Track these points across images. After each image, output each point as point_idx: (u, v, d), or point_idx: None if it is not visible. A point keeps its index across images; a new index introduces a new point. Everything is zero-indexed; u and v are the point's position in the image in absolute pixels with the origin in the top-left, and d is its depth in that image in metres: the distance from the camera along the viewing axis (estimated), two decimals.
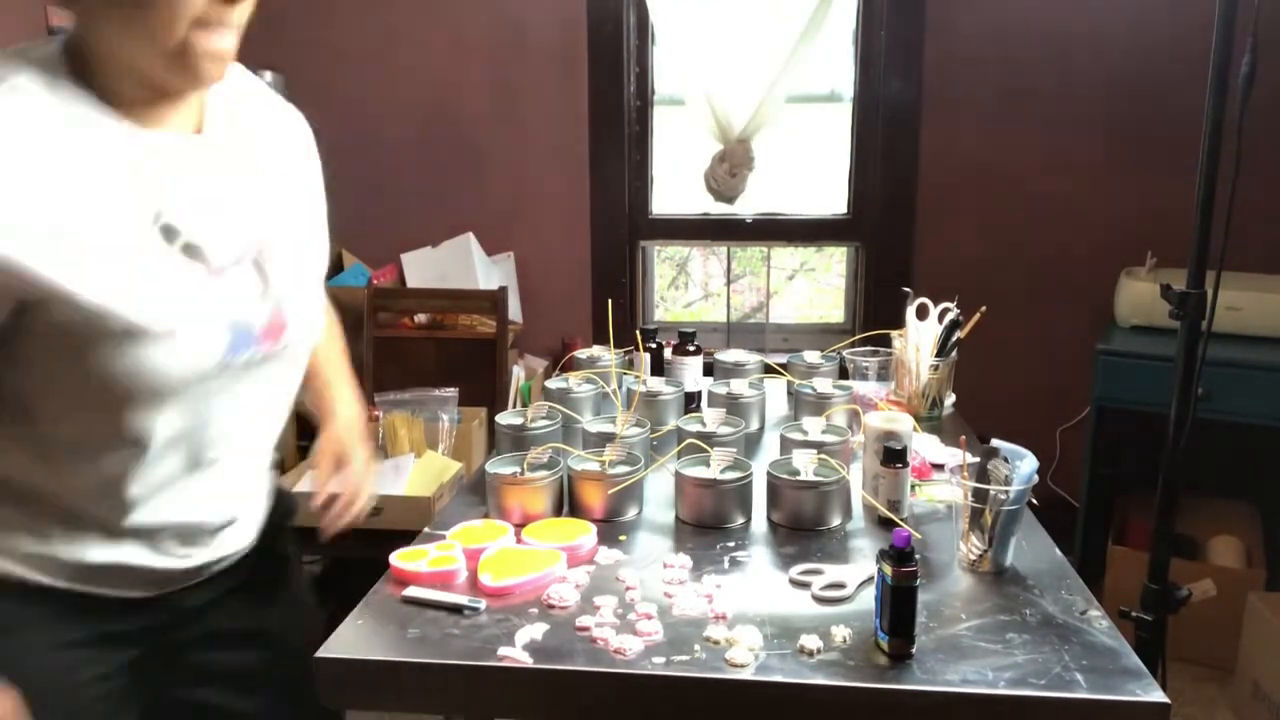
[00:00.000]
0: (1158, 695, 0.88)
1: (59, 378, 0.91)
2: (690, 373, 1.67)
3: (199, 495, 1.02)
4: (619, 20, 2.91)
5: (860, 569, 1.11)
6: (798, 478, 1.25)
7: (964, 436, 1.23)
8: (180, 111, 0.95)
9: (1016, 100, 2.80)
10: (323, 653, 0.96)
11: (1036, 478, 1.14)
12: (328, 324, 1.22)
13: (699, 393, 1.67)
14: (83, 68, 0.89)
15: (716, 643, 0.97)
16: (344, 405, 1.26)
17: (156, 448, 0.95)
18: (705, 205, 3.07)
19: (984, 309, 1.47)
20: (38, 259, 0.84)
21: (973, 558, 1.13)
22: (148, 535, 1.00)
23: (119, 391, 0.90)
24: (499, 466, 1.31)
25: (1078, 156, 2.80)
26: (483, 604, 1.04)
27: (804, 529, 1.24)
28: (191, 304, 0.92)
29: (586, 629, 0.99)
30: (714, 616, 1.02)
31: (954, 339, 1.59)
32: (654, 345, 1.72)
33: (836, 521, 1.26)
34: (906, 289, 1.71)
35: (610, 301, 1.58)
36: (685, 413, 1.57)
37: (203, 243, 0.94)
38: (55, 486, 0.96)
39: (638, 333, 1.71)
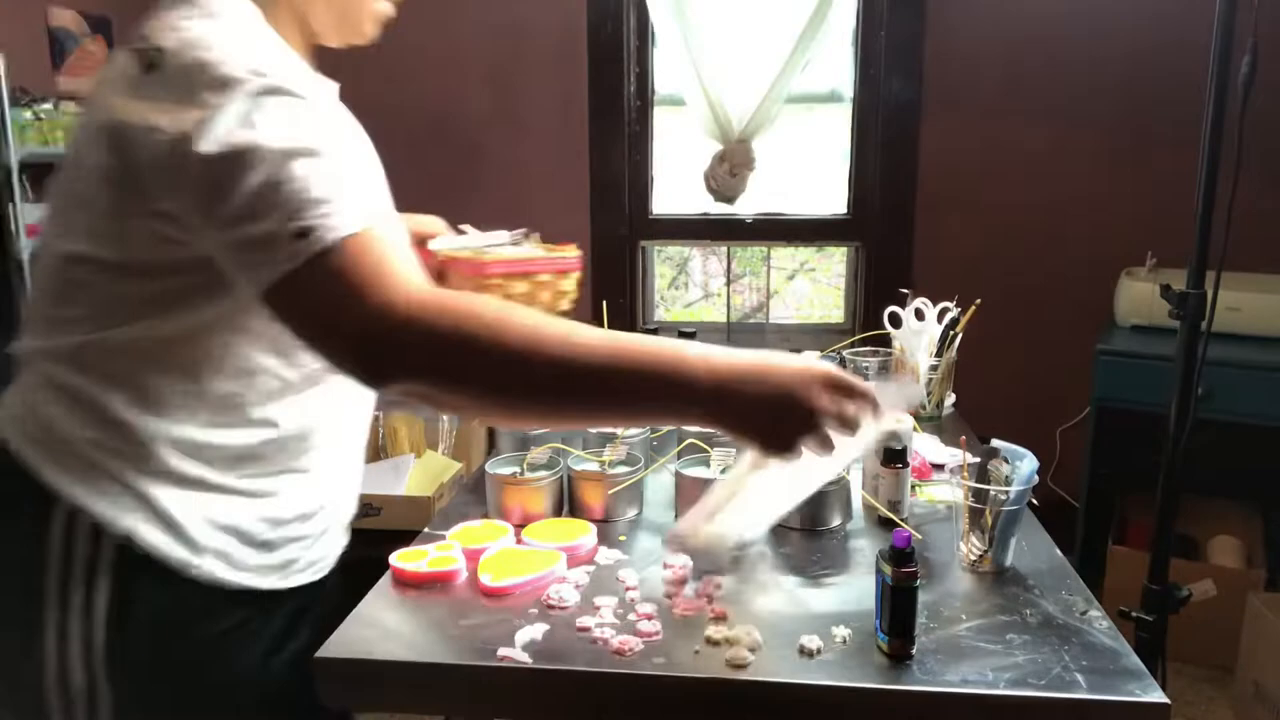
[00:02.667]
0: (1158, 695, 0.88)
1: None
2: None
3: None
4: (619, 20, 2.91)
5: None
6: None
7: (964, 437, 1.22)
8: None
9: (1016, 100, 2.80)
10: (323, 653, 0.96)
11: (1036, 478, 1.13)
12: None
13: None
14: (262, 9, 0.95)
15: (716, 643, 0.97)
16: None
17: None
18: (705, 205, 3.07)
19: (979, 301, 1.46)
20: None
21: (973, 558, 1.13)
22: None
23: None
24: (499, 466, 1.31)
25: (1077, 156, 2.80)
26: None
27: (804, 529, 1.24)
28: None
29: (586, 629, 0.99)
30: (714, 616, 1.02)
31: (951, 336, 1.59)
32: None
33: (836, 521, 1.26)
34: (905, 289, 1.71)
35: (605, 303, 1.57)
36: None
37: None
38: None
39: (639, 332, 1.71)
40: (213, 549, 0.94)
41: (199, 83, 0.82)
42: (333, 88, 1.02)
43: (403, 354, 0.81)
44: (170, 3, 0.91)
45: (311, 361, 0.97)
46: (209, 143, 0.81)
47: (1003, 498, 1.11)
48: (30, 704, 0.92)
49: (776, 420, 0.87)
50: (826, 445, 0.88)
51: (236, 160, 0.81)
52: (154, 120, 0.83)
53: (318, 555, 1.05)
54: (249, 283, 0.84)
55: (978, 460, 1.17)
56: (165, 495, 0.92)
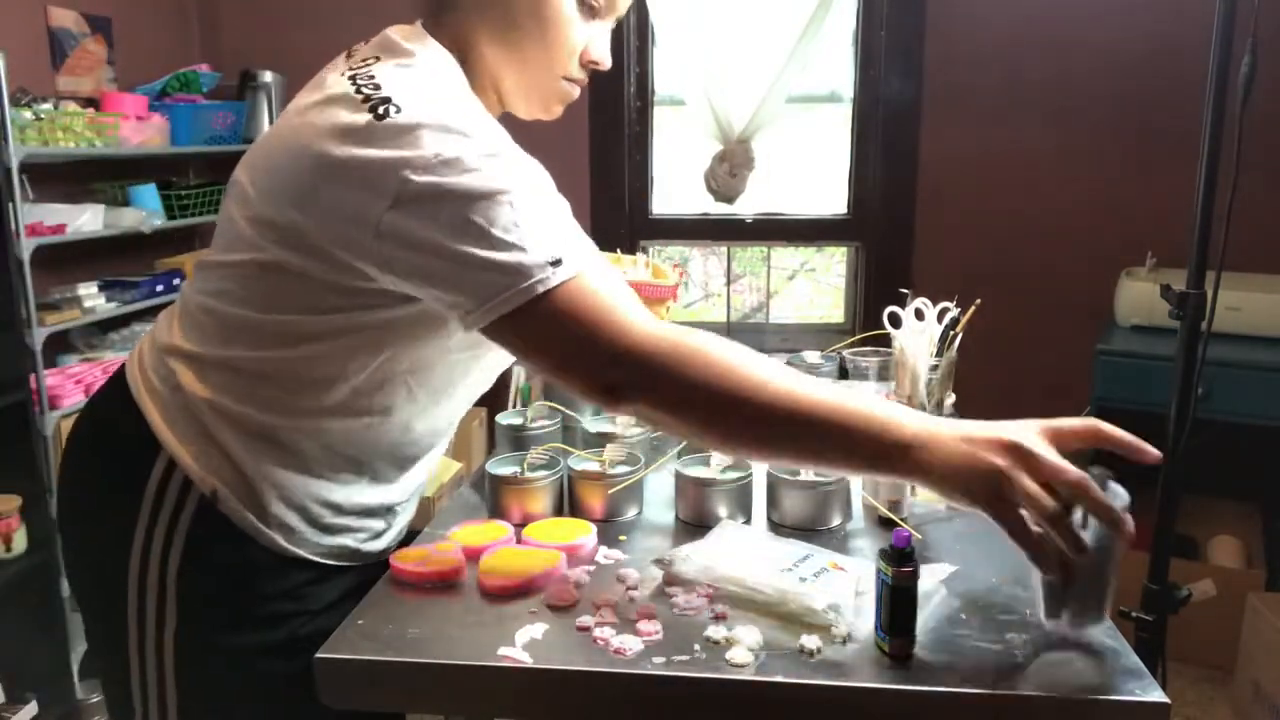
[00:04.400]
0: (1158, 695, 0.88)
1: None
2: None
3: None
4: (619, 20, 2.91)
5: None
6: (798, 478, 1.25)
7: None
8: None
9: (1016, 100, 2.80)
10: (323, 653, 0.96)
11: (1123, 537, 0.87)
12: None
13: None
14: (464, 70, 1.03)
15: (716, 643, 0.97)
16: None
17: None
18: (705, 205, 3.07)
19: (979, 301, 1.46)
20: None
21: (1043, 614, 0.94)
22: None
23: None
24: (499, 467, 1.31)
25: (1078, 156, 2.80)
26: None
27: (804, 529, 1.24)
28: None
29: (587, 629, 0.99)
30: (714, 616, 1.02)
31: (951, 336, 1.58)
32: None
33: (836, 521, 1.26)
34: (904, 290, 1.71)
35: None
36: None
37: None
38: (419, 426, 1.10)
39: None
40: (279, 522, 1.04)
41: (433, 131, 0.89)
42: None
43: (634, 387, 0.91)
44: (384, 51, 0.99)
45: (440, 384, 1.07)
46: (438, 179, 0.88)
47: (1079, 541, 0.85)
48: (108, 598, 1.04)
49: (972, 475, 0.85)
50: (1019, 525, 0.84)
51: (465, 197, 0.88)
52: (379, 161, 0.89)
53: (370, 548, 1.15)
54: (467, 315, 0.91)
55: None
56: (251, 467, 1.02)
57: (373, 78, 0.94)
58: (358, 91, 0.93)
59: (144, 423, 1.03)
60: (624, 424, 1.44)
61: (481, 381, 1.15)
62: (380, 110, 0.90)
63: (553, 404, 1.53)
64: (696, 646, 0.96)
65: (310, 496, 1.06)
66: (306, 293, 0.96)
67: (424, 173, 0.88)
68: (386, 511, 1.15)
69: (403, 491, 1.16)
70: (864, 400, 0.90)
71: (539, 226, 0.91)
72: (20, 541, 2.23)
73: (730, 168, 2.92)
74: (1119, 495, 0.91)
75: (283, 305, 0.98)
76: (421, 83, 0.95)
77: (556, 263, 0.89)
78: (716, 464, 1.29)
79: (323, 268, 0.94)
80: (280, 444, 1.03)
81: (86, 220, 2.48)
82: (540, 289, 0.88)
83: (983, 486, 0.85)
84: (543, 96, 1.08)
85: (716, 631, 0.98)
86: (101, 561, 1.06)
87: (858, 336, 1.97)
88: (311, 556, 1.08)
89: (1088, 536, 0.86)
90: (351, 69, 0.97)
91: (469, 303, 0.90)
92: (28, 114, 2.35)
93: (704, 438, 0.94)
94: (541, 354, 0.93)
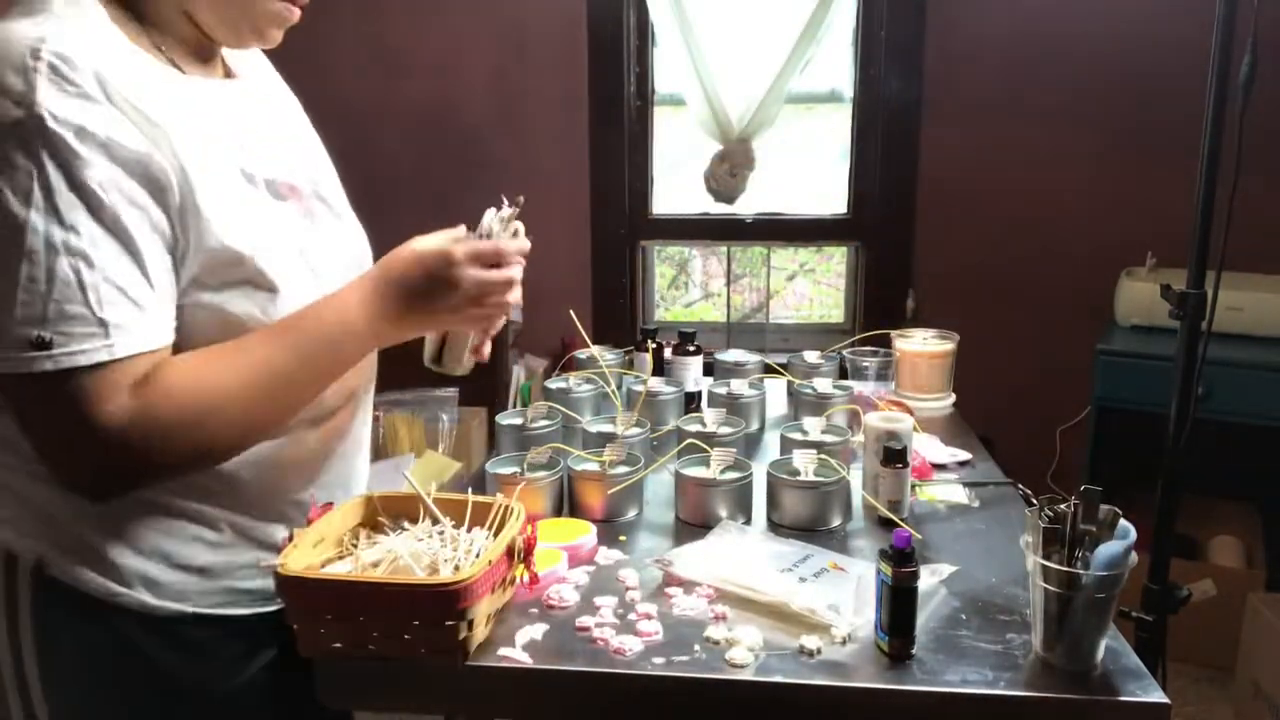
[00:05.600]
0: (1158, 695, 0.88)
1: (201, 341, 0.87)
2: (690, 373, 1.67)
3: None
4: (619, 20, 2.91)
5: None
6: (798, 478, 1.25)
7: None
8: (214, 59, 0.96)
9: (1016, 100, 2.80)
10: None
11: (1126, 567, 0.90)
12: None
13: (699, 393, 1.67)
14: (129, 10, 0.87)
15: (716, 643, 0.97)
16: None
17: None
18: (705, 205, 3.07)
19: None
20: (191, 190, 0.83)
21: (1037, 645, 0.94)
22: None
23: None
24: (499, 466, 1.31)
25: (1077, 156, 2.80)
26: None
27: (804, 529, 1.24)
28: (294, 244, 0.94)
29: (586, 629, 0.99)
30: (714, 617, 1.02)
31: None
32: (654, 345, 1.72)
33: (836, 522, 1.26)
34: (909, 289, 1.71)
35: (572, 311, 1.54)
36: (685, 413, 1.57)
37: (277, 180, 0.94)
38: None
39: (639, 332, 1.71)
40: (139, 575, 0.88)
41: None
42: (222, 86, 0.96)
43: (122, 478, 0.83)
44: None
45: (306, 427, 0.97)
46: None
47: (1074, 580, 0.89)
48: None
49: (435, 301, 0.94)
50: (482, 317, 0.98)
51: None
52: None
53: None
54: None
55: (1069, 507, 0.94)
56: (77, 519, 0.86)
57: None
58: None
59: None
60: (624, 424, 1.44)
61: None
62: None
63: (552, 404, 1.53)
64: (696, 646, 0.96)
65: (163, 533, 0.90)
66: None
67: None
68: (269, 544, 0.97)
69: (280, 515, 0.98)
70: (303, 328, 0.89)
71: (50, 291, 0.75)
72: None
73: (730, 168, 2.92)
74: (1126, 531, 0.92)
75: None
76: (19, 25, 0.78)
77: (40, 343, 0.75)
78: (716, 464, 1.29)
79: None
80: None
81: None
82: (4, 368, 0.76)
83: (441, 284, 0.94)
84: (251, 20, 0.91)
85: (716, 631, 0.98)
86: None
87: (858, 336, 1.98)
88: (202, 610, 0.92)
89: (1090, 572, 0.88)
90: None
91: None
92: None
93: (219, 452, 0.87)
94: (29, 436, 0.82)
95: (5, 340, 0.76)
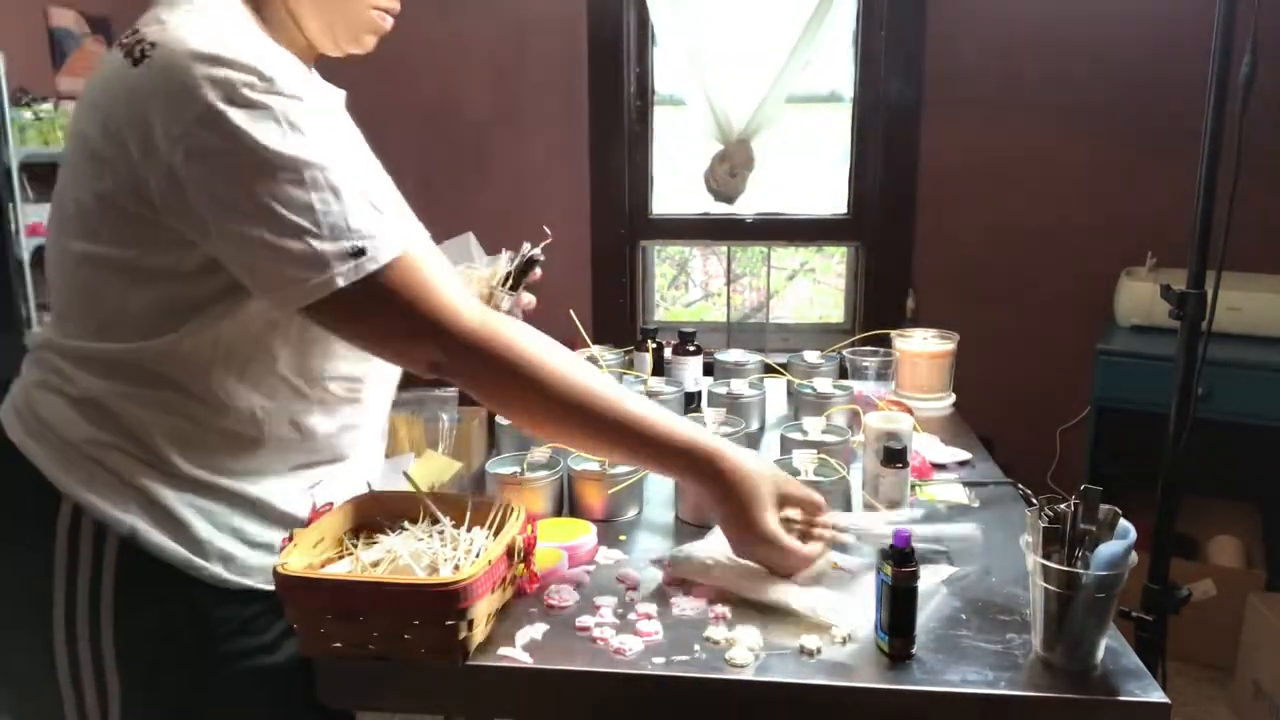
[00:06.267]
0: (1158, 695, 0.88)
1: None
2: (690, 373, 1.67)
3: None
4: (619, 20, 2.91)
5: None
6: (798, 478, 1.25)
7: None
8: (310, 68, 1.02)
9: (1016, 100, 2.80)
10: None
11: (1127, 566, 0.90)
12: None
13: (699, 393, 1.67)
14: (256, 13, 0.94)
15: (716, 643, 0.97)
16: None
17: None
18: (705, 205, 3.07)
19: (549, 239, 1.27)
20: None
21: (1037, 644, 0.94)
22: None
23: None
24: (499, 466, 1.31)
25: (1077, 156, 2.80)
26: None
27: None
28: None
29: (586, 629, 0.99)
30: (714, 617, 1.02)
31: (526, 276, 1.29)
32: (654, 345, 1.72)
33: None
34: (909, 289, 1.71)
35: (572, 311, 1.54)
36: (685, 413, 1.57)
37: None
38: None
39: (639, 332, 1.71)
40: (217, 551, 0.94)
41: (198, 77, 0.81)
42: (339, 95, 1.02)
43: (452, 369, 0.92)
44: (153, 8, 0.89)
45: (332, 385, 1.00)
46: (219, 139, 0.80)
47: (1074, 580, 0.89)
48: (36, 687, 0.93)
49: (749, 511, 1.01)
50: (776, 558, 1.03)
51: (259, 167, 0.81)
52: (149, 116, 0.82)
53: None
54: (279, 296, 0.86)
55: (1069, 507, 0.94)
56: (169, 495, 0.92)
57: (135, 32, 0.86)
58: (122, 50, 0.85)
59: (32, 470, 0.91)
60: None
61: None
62: (136, 53, 0.83)
63: None
64: (696, 646, 0.96)
65: (238, 510, 0.96)
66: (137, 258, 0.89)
67: (201, 124, 0.80)
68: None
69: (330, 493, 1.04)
70: (669, 415, 1.02)
71: (343, 208, 0.84)
72: None
73: (730, 167, 2.92)
74: (1126, 531, 0.92)
75: (143, 326, 0.91)
76: (187, 20, 0.85)
77: (358, 253, 0.84)
78: None
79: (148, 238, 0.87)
80: (191, 447, 0.93)
81: None
82: (340, 282, 0.84)
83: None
84: (350, 28, 0.98)
85: (716, 631, 0.98)
86: (23, 645, 0.93)
87: (858, 336, 1.98)
88: (261, 585, 0.96)
89: (1090, 572, 0.88)
90: (122, 39, 0.87)
91: (258, 289, 0.86)
92: (28, 114, 2.35)
93: (520, 421, 1.03)
94: (354, 336, 0.93)
95: (325, 261, 0.83)
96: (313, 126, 0.84)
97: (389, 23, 1.01)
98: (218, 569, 0.94)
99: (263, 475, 0.98)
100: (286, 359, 0.95)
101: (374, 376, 1.05)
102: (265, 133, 0.81)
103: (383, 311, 0.88)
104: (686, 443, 1.01)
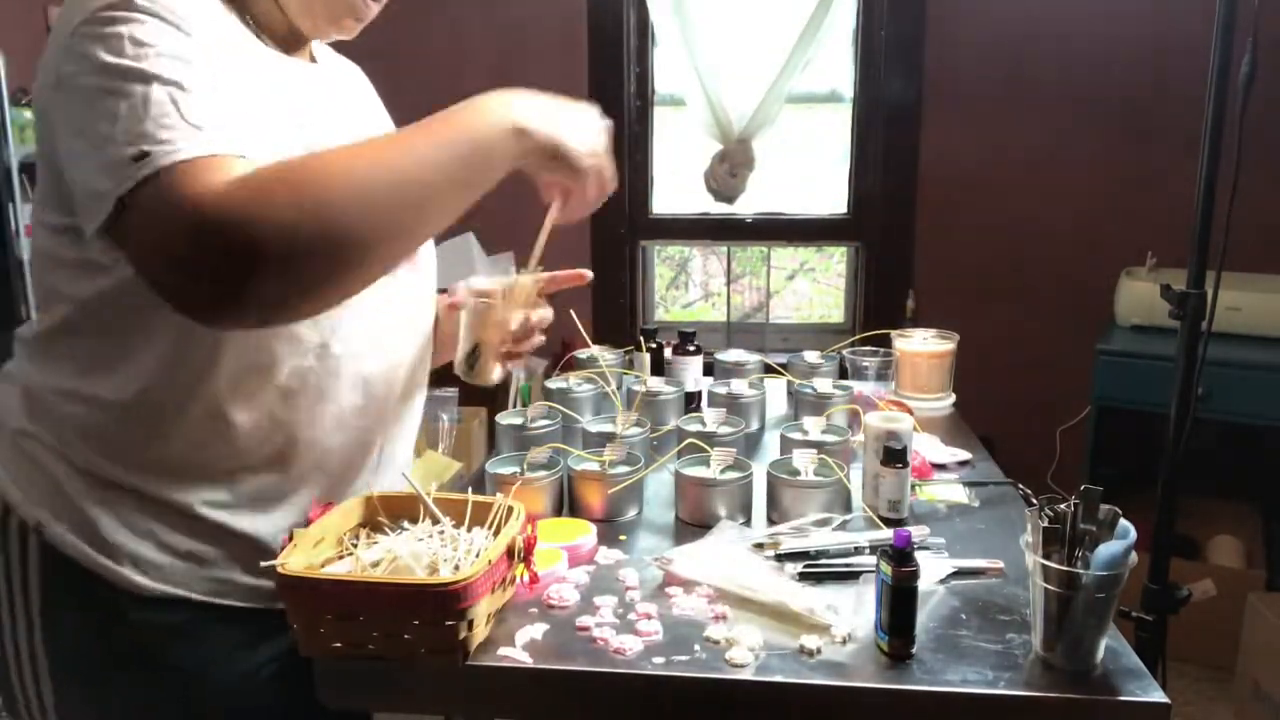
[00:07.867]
0: (1158, 695, 0.88)
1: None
2: (690, 373, 1.67)
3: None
4: (619, 20, 2.92)
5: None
6: (798, 478, 1.25)
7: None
8: (300, 50, 1.01)
9: (1016, 100, 2.80)
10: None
11: (1127, 566, 0.89)
12: None
13: (699, 393, 1.67)
14: None
15: (716, 643, 0.97)
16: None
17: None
18: (705, 205, 3.07)
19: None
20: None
21: (1037, 644, 0.94)
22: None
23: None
24: (499, 466, 1.31)
25: (1077, 156, 2.80)
26: None
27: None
28: None
29: (586, 629, 0.99)
30: (714, 617, 1.02)
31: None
32: (654, 345, 1.72)
33: (836, 522, 1.25)
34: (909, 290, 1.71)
35: (570, 311, 1.53)
36: (685, 413, 1.57)
37: None
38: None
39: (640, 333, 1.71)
40: (129, 554, 0.90)
41: (73, 10, 0.80)
42: (349, 68, 1.05)
43: (232, 266, 0.73)
44: None
45: (258, 384, 0.91)
46: (73, 65, 0.79)
47: (1074, 580, 0.89)
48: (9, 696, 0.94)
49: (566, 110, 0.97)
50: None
51: (96, 88, 0.77)
52: (46, 61, 0.83)
53: (264, 583, 0.95)
54: (82, 220, 0.79)
55: (1069, 507, 0.93)
56: (78, 490, 0.89)
57: None
58: None
59: None
60: (624, 424, 1.44)
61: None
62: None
63: (552, 404, 1.53)
64: (696, 646, 0.96)
65: (152, 515, 0.90)
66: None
67: (65, 55, 0.79)
68: (254, 545, 0.95)
69: (272, 524, 0.96)
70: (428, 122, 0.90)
71: (147, 115, 0.76)
72: None
73: (730, 167, 2.92)
74: (1126, 531, 0.92)
75: (64, 294, 0.89)
76: None
77: (142, 156, 0.74)
78: (716, 464, 1.29)
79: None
80: (105, 442, 0.89)
81: None
82: (117, 190, 0.75)
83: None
84: (329, 7, 0.96)
85: (716, 631, 0.98)
86: None
87: (858, 336, 1.98)
88: (189, 594, 0.92)
89: (1090, 572, 0.88)
90: None
91: (80, 219, 0.81)
92: (28, 114, 2.35)
93: (340, 261, 0.78)
94: (144, 267, 0.78)
95: (116, 168, 0.75)
96: (160, 40, 0.79)
97: (371, 10, 0.98)
98: (128, 571, 0.89)
99: (185, 477, 0.91)
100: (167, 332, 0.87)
101: (325, 375, 0.95)
102: (111, 50, 0.77)
103: (154, 224, 0.74)
104: (466, 102, 0.94)
